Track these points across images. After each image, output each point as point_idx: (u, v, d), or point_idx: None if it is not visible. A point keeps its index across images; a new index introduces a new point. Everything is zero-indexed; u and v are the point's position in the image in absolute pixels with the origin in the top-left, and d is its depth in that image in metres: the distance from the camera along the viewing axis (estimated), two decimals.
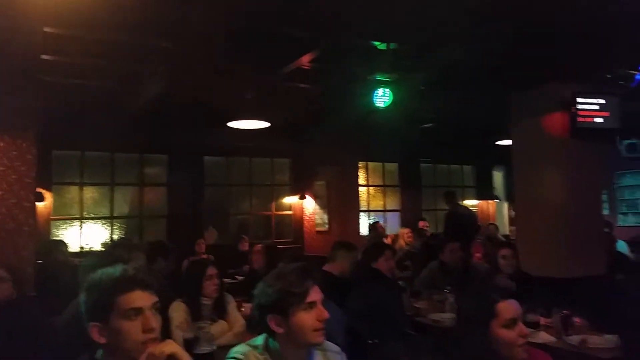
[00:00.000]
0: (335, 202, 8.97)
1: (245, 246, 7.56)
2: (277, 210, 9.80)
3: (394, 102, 5.51)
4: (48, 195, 7.62)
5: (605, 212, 8.69)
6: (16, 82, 5.13)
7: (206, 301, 3.17)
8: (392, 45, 4.81)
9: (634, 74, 5.38)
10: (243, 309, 3.48)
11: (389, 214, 10.73)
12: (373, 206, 10.65)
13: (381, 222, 9.30)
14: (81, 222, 8.10)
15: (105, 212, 8.31)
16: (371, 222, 9.36)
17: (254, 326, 1.88)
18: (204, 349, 2.60)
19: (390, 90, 5.47)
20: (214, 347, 2.67)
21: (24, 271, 5.02)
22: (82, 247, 7.96)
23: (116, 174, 8.40)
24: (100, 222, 8.28)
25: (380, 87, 5.48)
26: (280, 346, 1.76)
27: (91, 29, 4.28)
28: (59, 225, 7.95)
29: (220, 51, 4.84)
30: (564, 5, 3.87)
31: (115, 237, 8.27)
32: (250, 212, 9.62)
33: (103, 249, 7.60)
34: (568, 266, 5.34)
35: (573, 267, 5.32)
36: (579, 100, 5.43)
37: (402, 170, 10.94)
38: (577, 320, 3.22)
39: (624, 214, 10.53)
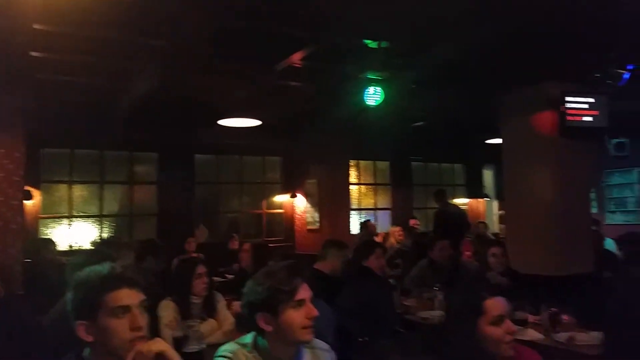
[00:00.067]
0: (327, 200, 8.98)
1: (235, 245, 7.54)
2: (268, 208, 9.79)
3: (385, 101, 5.52)
4: (37, 194, 7.55)
5: (594, 210, 8.77)
6: (5, 79, 5.08)
7: (195, 300, 3.16)
8: (384, 44, 4.82)
9: (622, 73, 5.42)
10: (233, 308, 3.47)
11: (380, 212, 10.76)
12: (364, 204, 10.67)
13: (372, 221, 9.32)
14: (70, 221, 8.04)
15: (94, 210, 8.25)
16: (362, 221, 9.38)
17: (243, 324, 1.88)
18: (193, 347, 2.60)
19: (382, 88, 5.48)
20: (203, 346, 2.66)
21: (12, 269, 4.99)
22: (71, 246, 7.90)
23: (106, 172, 8.35)
24: (90, 220, 8.22)
25: (371, 86, 5.49)
26: (269, 344, 1.76)
27: (81, 25, 4.25)
28: (48, 224, 7.88)
29: (211, 49, 4.82)
30: (554, 5, 3.90)
31: (105, 235, 8.22)
32: (241, 211, 9.60)
33: (92, 248, 7.55)
34: (557, 264, 5.38)
35: (561, 265, 5.37)
36: (568, 99, 5.47)
37: (393, 168, 10.97)
38: (564, 317, 3.25)
39: (612, 212, 10.64)
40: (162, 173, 8.57)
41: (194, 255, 6.43)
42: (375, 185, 10.88)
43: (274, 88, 6.19)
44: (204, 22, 4.17)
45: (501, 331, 1.85)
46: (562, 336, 3.08)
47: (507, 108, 6.09)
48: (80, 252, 7.09)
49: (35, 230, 7.56)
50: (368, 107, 5.58)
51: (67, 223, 8.02)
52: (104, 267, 1.53)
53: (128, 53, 4.99)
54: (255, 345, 1.78)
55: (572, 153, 5.63)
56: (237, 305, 3.43)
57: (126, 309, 1.46)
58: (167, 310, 3.03)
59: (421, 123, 8.49)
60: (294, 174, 9.63)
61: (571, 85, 5.57)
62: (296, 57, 5.10)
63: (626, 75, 5.32)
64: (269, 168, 9.89)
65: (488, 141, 8.63)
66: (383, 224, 10.21)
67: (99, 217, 8.27)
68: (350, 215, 9.29)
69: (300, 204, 9.56)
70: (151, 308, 1.56)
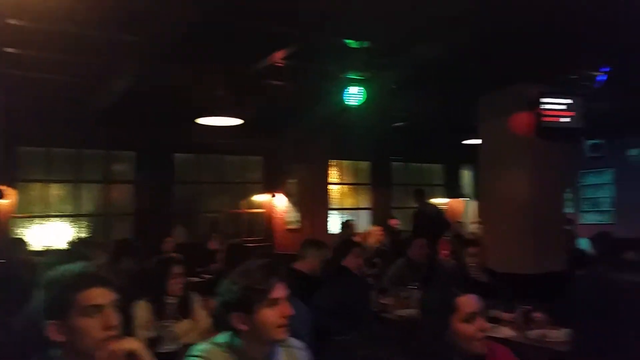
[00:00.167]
0: (307, 200, 8.98)
1: (214, 244, 7.50)
2: (249, 208, 9.75)
3: (366, 101, 5.55)
4: (12, 193, 7.40)
5: (569, 210, 8.95)
6: None
7: (171, 300, 3.14)
8: (365, 44, 4.84)
9: (596, 75, 5.54)
10: (209, 308, 3.45)
11: (360, 212, 10.80)
12: (345, 204, 10.70)
13: (354, 221, 9.35)
14: (46, 220, 7.90)
15: (71, 209, 8.12)
16: (344, 220, 9.41)
17: (218, 324, 1.87)
18: (167, 347, 2.58)
19: (364, 88, 5.51)
20: (179, 346, 2.65)
21: None
22: (46, 246, 7.75)
23: (82, 171, 8.22)
24: (66, 220, 8.08)
25: (352, 86, 5.51)
26: (244, 343, 1.76)
27: (56, 21, 4.17)
28: (23, 223, 7.73)
29: (190, 46, 4.78)
30: (532, 7, 3.96)
31: (82, 235, 8.10)
32: (221, 210, 9.55)
33: (66, 248, 7.44)
34: (531, 262, 5.48)
35: (536, 264, 5.46)
36: (544, 100, 5.56)
37: (374, 168, 11.02)
38: (537, 315, 3.31)
39: (587, 212, 10.86)
40: (140, 172, 8.47)
41: (171, 255, 6.36)
42: (355, 185, 10.92)
43: (256, 87, 6.17)
44: (183, 18, 4.13)
45: (473, 328, 1.89)
46: (534, 333, 3.14)
47: (485, 109, 6.17)
48: (53, 251, 6.97)
49: (9, 229, 7.41)
50: (349, 107, 5.61)
51: (43, 223, 7.87)
52: (76, 266, 1.52)
53: (104, 49, 4.92)
54: (229, 345, 1.77)
55: (548, 153, 5.73)
56: (213, 304, 3.42)
57: (99, 308, 1.45)
58: (142, 310, 3.00)
59: (402, 123, 8.55)
60: (275, 174, 9.61)
61: (548, 86, 5.67)
62: (278, 56, 5.09)
63: (602, 78, 5.44)
64: (249, 167, 9.85)
65: (467, 142, 8.73)
66: (363, 223, 10.25)
67: (76, 217, 8.14)
68: (329, 215, 9.31)
69: (280, 204, 9.55)
70: (125, 308, 1.55)
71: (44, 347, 1.46)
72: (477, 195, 10.55)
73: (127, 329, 2.13)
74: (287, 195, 9.33)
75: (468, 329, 1.87)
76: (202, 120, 6.49)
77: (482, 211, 6.50)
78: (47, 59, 5.08)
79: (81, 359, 1.44)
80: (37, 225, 7.85)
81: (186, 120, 6.68)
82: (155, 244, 6.95)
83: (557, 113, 5.63)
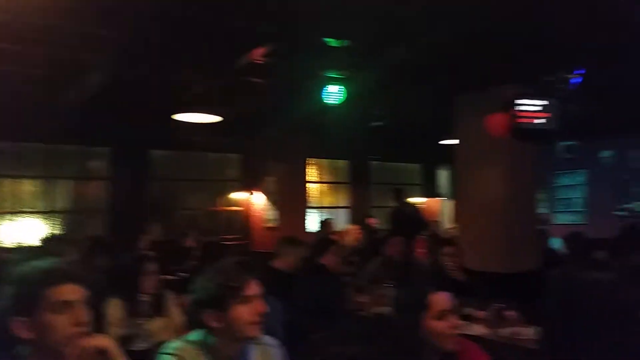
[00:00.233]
0: (285, 198, 8.97)
1: (190, 242, 7.43)
2: (227, 206, 9.69)
3: (345, 100, 5.56)
4: None
5: (543, 210, 9.12)
6: None
7: (144, 297, 3.10)
8: (345, 43, 4.85)
9: (571, 77, 5.64)
10: (183, 306, 3.42)
11: (338, 210, 10.83)
12: (324, 203, 10.72)
13: (331, 219, 9.38)
14: (17, 217, 7.72)
15: (43, 206, 7.95)
16: (322, 219, 9.43)
17: (191, 321, 1.86)
18: (140, 345, 2.55)
19: (344, 87, 5.52)
20: (152, 344, 2.62)
21: None
22: (17, 243, 7.58)
23: (55, 167, 8.05)
24: (38, 216, 7.91)
25: (332, 84, 5.52)
26: (216, 341, 1.75)
27: (29, 13, 4.07)
28: None
29: (168, 41, 4.72)
30: (508, 10, 4.03)
31: (54, 232, 7.94)
32: (199, 208, 9.47)
33: (37, 244, 7.29)
34: (505, 261, 5.57)
35: (510, 263, 5.55)
36: (519, 101, 5.64)
37: (352, 167, 11.06)
38: (509, 313, 3.37)
39: (560, 212, 11.08)
40: (115, 168, 8.34)
41: (145, 252, 6.28)
42: (334, 184, 10.94)
43: (235, 84, 6.12)
44: (158, 11, 4.07)
45: (445, 325, 1.91)
46: (506, 331, 3.20)
47: (461, 109, 6.25)
48: (23, 248, 6.82)
49: None
50: (328, 106, 5.61)
51: (14, 219, 7.69)
52: (45, 262, 1.49)
53: (78, 43, 4.82)
54: (202, 342, 1.76)
55: (523, 154, 5.83)
56: (187, 302, 3.38)
57: (68, 304, 1.43)
58: (114, 308, 2.96)
59: (380, 123, 8.59)
60: (253, 172, 9.56)
61: (523, 88, 5.76)
62: (257, 54, 5.07)
63: (577, 80, 5.54)
64: (228, 165, 9.78)
65: (444, 142, 8.82)
66: (342, 222, 10.29)
67: (48, 213, 7.97)
68: (308, 214, 9.31)
69: (259, 202, 9.51)
70: (97, 305, 1.53)
71: (9, 344, 1.43)
72: (454, 194, 10.69)
73: (99, 327, 2.10)
74: (266, 193, 9.30)
75: (440, 326, 1.90)
76: (179, 117, 6.42)
77: (457, 211, 6.58)
78: (18, 52, 4.96)
79: (50, 356, 1.41)
80: (8, 221, 7.66)
81: (163, 117, 6.60)
82: (130, 241, 6.87)
83: (532, 114, 5.71)
